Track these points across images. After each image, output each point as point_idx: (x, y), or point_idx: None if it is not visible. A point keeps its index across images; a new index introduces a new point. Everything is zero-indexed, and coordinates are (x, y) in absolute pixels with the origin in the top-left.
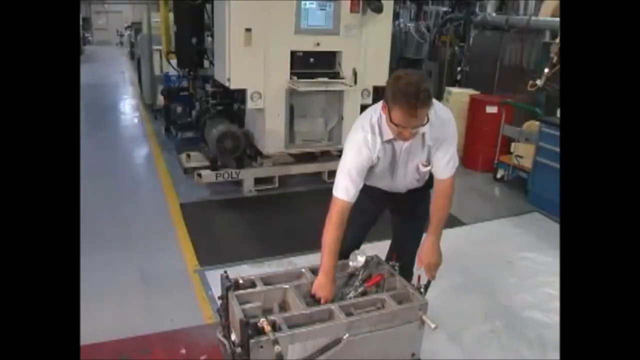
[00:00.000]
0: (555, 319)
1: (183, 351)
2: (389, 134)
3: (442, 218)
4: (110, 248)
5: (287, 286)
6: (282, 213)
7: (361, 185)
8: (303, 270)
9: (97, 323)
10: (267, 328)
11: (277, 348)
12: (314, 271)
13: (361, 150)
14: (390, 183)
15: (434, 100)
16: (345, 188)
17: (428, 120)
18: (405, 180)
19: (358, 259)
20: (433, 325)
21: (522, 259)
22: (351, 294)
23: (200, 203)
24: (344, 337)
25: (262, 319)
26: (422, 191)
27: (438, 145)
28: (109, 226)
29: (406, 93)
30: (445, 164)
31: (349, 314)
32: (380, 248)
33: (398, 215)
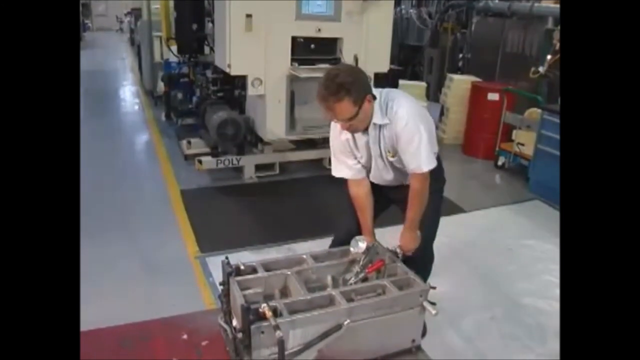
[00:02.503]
0: (555, 306)
1: (184, 337)
2: None
3: (413, 217)
4: (110, 235)
5: (288, 272)
6: (282, 200)
7: (353, 163)
8: (304, 256)
9: (97, 309)
10: (268, 314)
11: (279, 333)
12: (315, 257)
13: (339, 140)
14: (378, 177)
15: (394, 93)
16: (334, 168)
17: (357, 113)
18: (387, 171)
19: (359, 245)
20: (434, 312)
21: (522, 246)
22: (352, 280)
23: (201, 190)
24: (345, 323)
25: (264, 305)
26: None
27: (400, 138)
28: (110, 213)
29: (321, 87)
30: (410, 157)
31: (349, 300)
32: (379, 234)
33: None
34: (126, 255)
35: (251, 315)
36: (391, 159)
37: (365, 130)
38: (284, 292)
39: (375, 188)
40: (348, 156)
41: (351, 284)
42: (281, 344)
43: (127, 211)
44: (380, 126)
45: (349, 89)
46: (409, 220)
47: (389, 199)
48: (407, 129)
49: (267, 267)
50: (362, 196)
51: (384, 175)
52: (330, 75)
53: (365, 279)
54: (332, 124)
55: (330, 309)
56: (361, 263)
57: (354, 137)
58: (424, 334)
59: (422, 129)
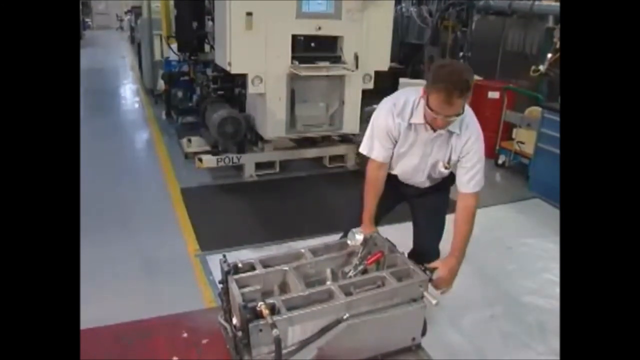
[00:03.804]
0: (555, 304)
1: (184, 335)
2: (419, 118)
3: (461, 245)
4: (111, 233)
5: (286, 268)
6: (282, 198)
7: (389, 147)
8: (302, 250)
9: (97, 307)
10: (265, 312)
11: (275, 332)
12: (314, 251)
13: (385, 120)
14: (408, 173)
15: (470, 111)
16: (368, 146)
17: (463, 112)
18: (423, 174)
19: (356, 238)
20: (434, 301)
21: (522, 244)
22: (351, 273)
23: (201, 188)
24: (344, 317)
25: (260, 303)
26: (442, 185)
27: (464, 154)
28: (110, 211)
29: (447, 80)
30: (468, 175)
31: (348, 294)
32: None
33: (418, 210)
34: (126, 253)
35: (248, 313)
36: (442, 170)
37: (435, 131)
38: (283, 288)
39: (390, 182)
40: (388, 140)
41: (350, 277)
42: (278, 342)
43: (127, 209)
44: (451, 133)
45: (470, 88)
46: (457, 248)
47: (402, 194)
48: (476, 147)
49: (266, 263)
50: (380, 179)
51: (414, 175)
52: (456, 70)
53: (365, 271)
54: (385, 102)
55: (329, 303)
56: (359, 255)
57: (411, 127)
58: (424, 332)
59: (483, 152)
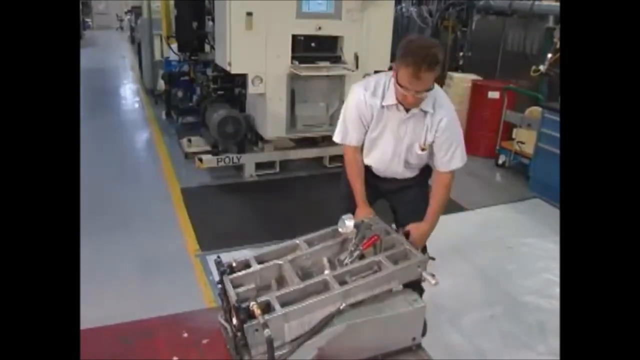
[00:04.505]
0: (555, 304)
1: (185, 335)
2: (391, 99)
3: (437, 209)
4: (111, 233)
5: (281, 262)
6: (282, 198)
7: (363, 132)
8: (297, 241)
9: (97, 307)
10: (257, 312)
11: (267, 332)
12: (309, 242)
13: (358, 106)
14: (384, 162)
15: (442, 91)
16: (342, 133)
17: (432, 87)
18: (400, 161)
19: (346, 224)
20: (433, 282)
21: (522, 244)
22: (347, 260)
23: (201, 188)
24: (341, 307)
25: (252, 303)
26: (421, 178)
27: (439, 133)
28: (110, 211)
29: (415, 54)
30: (447, 156)
31: (343, 283)
32: None
33: (398, 205)
34: (126, 253)
35: (242, 314)
36: (419, 152)
37: (408, 111)
38: (281, 283)
39: (367, 179)
40: (361, 125)
41: (347, 264)
42: (270, 342)
43: (127, 209)
44: (425, 113)
45: (439, 62)
46: (432, 212)
47: (379, 191)
48: (452, 126)
49: (261, 259)
50: (359, 160)
51: (391, 163)
52: (424, 45)
53: (362, 257)
54: (355, 87)
55: (323, 295)
56: (354, 241)
57: (383, 109)
58: (424, 332)
59: (460, 130)
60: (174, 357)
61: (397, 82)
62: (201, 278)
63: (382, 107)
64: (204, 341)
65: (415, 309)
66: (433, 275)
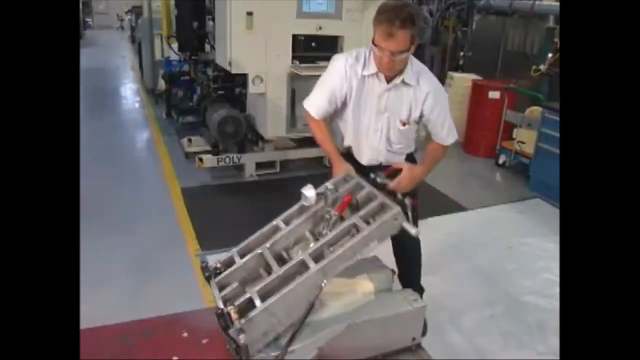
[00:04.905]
0: (555, 304)
1: (185, 335)
2: (371, 69)
3: (436, 159)
4: (111, 232)
5: (260, 251)
6: (283, 198)
7: (327, 111)
8: (275, 223)
9: (97, 307)
10: (234, 317)
11: (242, 338)
12: (287, 221)
13: (338, 75)
14: (364, 137)
15: (425, 67)
16: (315, 99)
17: (409, 50)
18: (381, 137)
19: (307, 196)
20: (414, 232)
21: (523, 244)
22: (326, 231)
23: (202, 188)
24: (323, 285)
25: (230, 307)
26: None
27: (429, 111)
28: (110, 211)
29: (389, 11)
30: (444, 131)
31: (319, 258)
32: None
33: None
34: (126, 253)
35: (222, 322)
36: (400, 127)
37: (389, 83)
38: (269, 270)
39: None
40: (333, 97)
41: (326, 234)
42: (245, 349)
43: (127, 209)
44: (407, 86)
45: (414, 21)
46: (430, 159)
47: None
48: (441, 101)
49: (243, 252)
50: (325, 124)
51: (372, 141)
52: (400, 4)
53: (342, 219)
54: (337, 57)
55: (299, 279)
56: (326, 208)
57: (364, 80)
58: (424, 332)
59: (448, 104)
60: (174, 357)
61: (373, 43)
62: (201, 278)
63: (363, 76)
64: (204, 341)
65: (416, 309)
66: (414, 226)
